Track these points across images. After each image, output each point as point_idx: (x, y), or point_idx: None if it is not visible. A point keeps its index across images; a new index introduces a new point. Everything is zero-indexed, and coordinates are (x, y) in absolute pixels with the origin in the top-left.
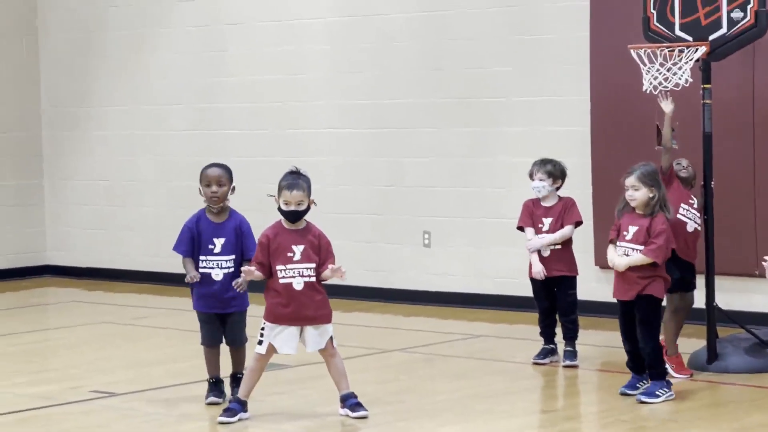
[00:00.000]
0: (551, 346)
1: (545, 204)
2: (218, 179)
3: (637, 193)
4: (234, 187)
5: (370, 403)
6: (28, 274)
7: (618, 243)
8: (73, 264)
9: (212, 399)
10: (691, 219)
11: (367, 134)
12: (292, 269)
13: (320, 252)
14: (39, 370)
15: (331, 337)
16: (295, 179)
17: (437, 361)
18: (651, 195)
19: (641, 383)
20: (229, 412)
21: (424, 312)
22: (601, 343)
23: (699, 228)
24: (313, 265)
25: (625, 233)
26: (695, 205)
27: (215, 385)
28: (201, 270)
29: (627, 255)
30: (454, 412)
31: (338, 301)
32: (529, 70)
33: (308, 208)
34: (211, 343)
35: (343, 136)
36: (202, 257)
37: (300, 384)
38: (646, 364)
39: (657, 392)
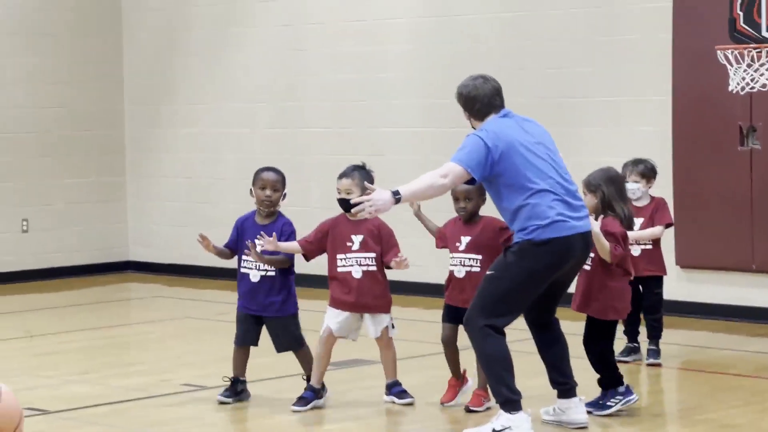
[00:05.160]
0: (635, 344)
1: (637, 204)
2: (273, 184)
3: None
4: (285, 194)
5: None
6: (111, 270)
7: None
8: (154, 260)
9: (221, 398)
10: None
11: (447, 133)
12: (351, 258)
13: (381, 242)
14: (129, 363)
15: (387, 328)
16: (350, 170)
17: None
18: (596, 200)
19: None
20: (302, 401)
21: None
22: (683, 342)
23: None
24: (373, 255)
25: None
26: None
27: (232, 385)
28: (241, 270)
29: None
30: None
31: (419, 299)
32: (611, 71)
33: None
34: (239, 343)
35: (423, 134)
36: (244, 257)
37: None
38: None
39: (608, 403)
